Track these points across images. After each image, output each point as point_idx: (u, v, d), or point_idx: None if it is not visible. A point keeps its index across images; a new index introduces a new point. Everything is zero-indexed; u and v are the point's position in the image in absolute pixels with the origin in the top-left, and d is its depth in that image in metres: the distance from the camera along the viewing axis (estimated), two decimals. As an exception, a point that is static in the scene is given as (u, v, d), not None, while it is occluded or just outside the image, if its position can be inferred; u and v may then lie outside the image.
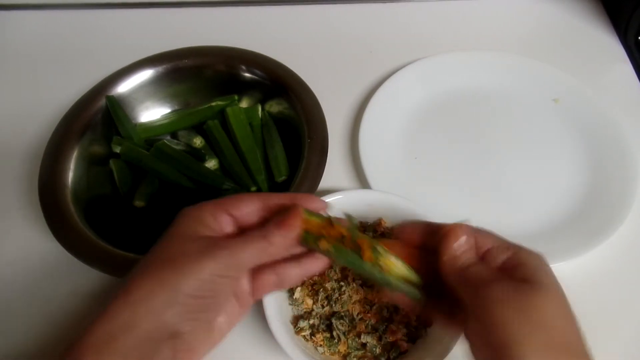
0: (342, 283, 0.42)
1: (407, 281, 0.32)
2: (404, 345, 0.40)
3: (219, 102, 0.55)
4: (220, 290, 0.30)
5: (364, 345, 0.40)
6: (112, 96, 0.52)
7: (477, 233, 0.32)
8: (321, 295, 0.42)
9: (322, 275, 0.43)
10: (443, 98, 0.60)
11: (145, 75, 0.54)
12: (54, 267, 0.48)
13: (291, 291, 0.42)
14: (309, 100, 0.52)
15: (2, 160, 0.56)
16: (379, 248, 0.32)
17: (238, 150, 0.53)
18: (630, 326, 0.45)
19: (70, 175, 0.47)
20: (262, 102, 0.57)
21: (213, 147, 0.54)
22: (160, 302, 0.28)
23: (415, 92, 0.60)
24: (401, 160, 0.55)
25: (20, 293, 0.47)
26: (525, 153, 0.56)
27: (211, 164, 0.53)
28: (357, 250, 0.31)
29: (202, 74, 0.56)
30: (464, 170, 0.54)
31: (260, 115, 0.56)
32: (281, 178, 0.51)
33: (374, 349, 0.39)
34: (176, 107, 0.58)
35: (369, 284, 0.42)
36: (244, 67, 0.55)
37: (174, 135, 0.56)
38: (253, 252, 0.30)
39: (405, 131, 0.57)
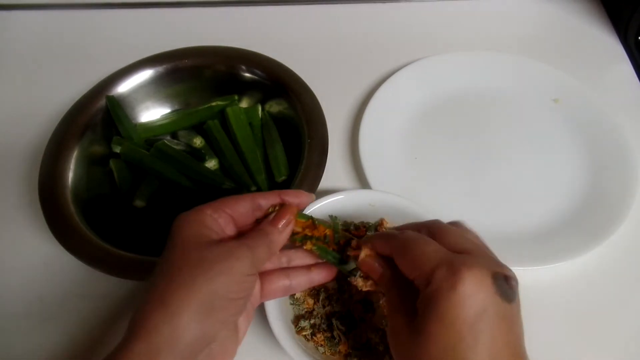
0: (343, 283, 0.42)
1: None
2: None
3: (219, 102, 0.55)
4: (249, 289, 0.31)
5: (365, 344, 0.40)
6: (112, 96, 0.52)
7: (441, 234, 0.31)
8: (322, 295, 0.42)
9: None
10: (443, 98, 0.60)
11: (145, 75, 0.54)
12: (54, 267, 0.48)
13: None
14: (309, 100, 0.52)
15: (2, 160, 0.56)
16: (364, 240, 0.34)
17: (238, 150, 0.53)
18: (629, 326, 0.45)
19: (70, 175, 0.47)
20: (262, 102, 0.57)
21: (213, 147, 0.54)
22: (199, 311, 0.27)
23: (415, 92, 0.60)
24: (401, 160, 0.55)
25: (20, 293, 0.47)
26: (525, 153, 0.56)
27: (211, 164, 0.53)
28: (339, 249, 0.35)
29: (202, 74, 0.56)
30: (464, 170, 0.54)
31: (260, 115, 0.56)
32: (281, 178, 0.51)
33: (377, 347, 0.40)
34: (176, 107, 0.58)
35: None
36: (244, 67, 0.55)
37: (174, 135, 0.56)
38: (264, 249, 0.32)
39: (405, 131, 0.57)
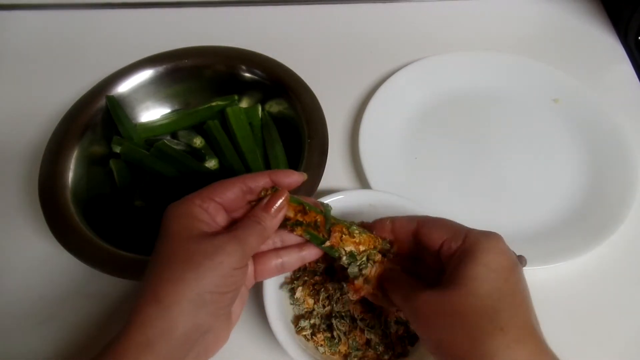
0: (343, 283, 0.42)
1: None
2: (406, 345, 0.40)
3: (219, 102, 0.55)
4: (239, 281, 0.31)
5: (365, 344, 0.40)
6: (112, 96, 0.52)
7: (424, 226, 0.34)
8: (322, 295, 0.42)
9: (323, 274, 0.43)
10: (443, 98, 0.60)
11: (145, 75, 0.54)
12: (54, 267, 0.48)
13: (292, 291, 0.42)
14: (309, 100, 0.52)
15: (2, 160, 0.56)
16: (354, 228, 0.35)
17: (238, 150, 0.53)
18: (630, 326, 0.45)
19: (70, 175, 0.47)
20: (262, 102, 0.57)
21: (213, 147, 0.54)
22: (190, 305, 0.28)
23: (415, 92, 0.60)
24: (401, 160, 0.55)
25: (20, 293, 0.47)
26: (525, 153, 0.56)
27: (211, 164, 0.53)
28: (327, 235, 0.35)
29: (202, 74, 0.56)
30: (465, 170, 0.54)
31: (260, 115, 0.56)
32: (281, 178, 0.51)
33: (377, 347, 0.40)
34: (176, 107, 0.58)
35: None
36: (244, 67, 0.55)
37: (174, 135, 0.56)
38: (255, 239, 0.31)
39: (405, 131, 0.57)
